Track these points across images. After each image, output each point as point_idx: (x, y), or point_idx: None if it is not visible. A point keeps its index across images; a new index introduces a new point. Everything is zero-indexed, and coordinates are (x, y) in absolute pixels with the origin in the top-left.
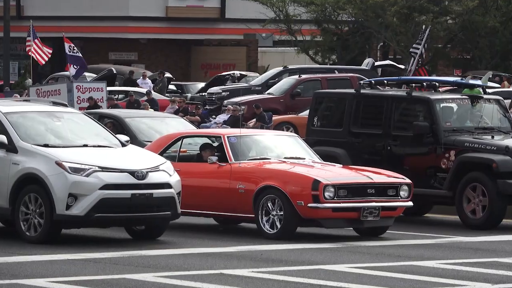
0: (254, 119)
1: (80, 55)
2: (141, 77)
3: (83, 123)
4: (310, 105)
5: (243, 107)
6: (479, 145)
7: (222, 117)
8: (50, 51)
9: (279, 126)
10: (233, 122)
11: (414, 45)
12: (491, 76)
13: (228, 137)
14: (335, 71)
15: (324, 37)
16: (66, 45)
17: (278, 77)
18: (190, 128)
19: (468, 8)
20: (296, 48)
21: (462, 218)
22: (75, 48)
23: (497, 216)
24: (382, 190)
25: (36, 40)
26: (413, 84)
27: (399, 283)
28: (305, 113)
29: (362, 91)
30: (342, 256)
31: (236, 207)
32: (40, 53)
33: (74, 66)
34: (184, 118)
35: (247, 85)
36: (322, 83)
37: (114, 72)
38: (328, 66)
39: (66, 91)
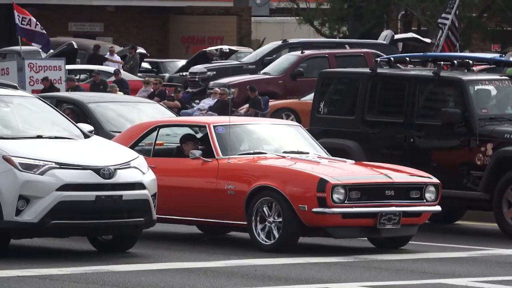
0: (247, 105)
1: (42, 30)
2: (108, 53)
3: (37, 110)
4: (315, 87)
5: (232, 90)
6: None
7: (208, 102)
8: None
9: (277, 113)
10: (221, 108)
11: (443, 15)
12: None
13: (214, 126)
14: (346, 46)
15: (333, 5)
16: (16, 15)
17: (276, 53)
18: (168, 116)
19: None
20: (298, 17)
21: (502, 226)
22: (31, 20)
23: None
24: (403, 191)
25: None
26: (442, 62)
27: None
28: (309, 98)
29: (378, 70)
30: (355, 273)
31: (224, 212)
32: None
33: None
34: (161, 103)
35: (238, 63)
36: (330, 61)
37: (75, 47)
38: (337, 40)
39: (16, 70)
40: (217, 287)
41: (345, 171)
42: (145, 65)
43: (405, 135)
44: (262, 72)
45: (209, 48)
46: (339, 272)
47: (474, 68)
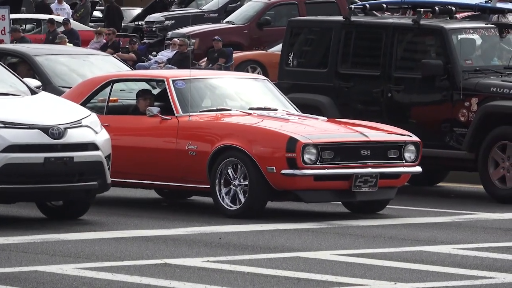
0: (206, 58)
1: None
2: (56, 1)
3: None
4: (284, 37)
5: (193, 40)
6: (510, 90)
7: (166, 54)
8: None
9: (242, 66)
10: (181, 60)
11: None
12: None
13: (173, 80)
14: None
15: None
16: None
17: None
18: (123, 69)
19: None
20: None
21: (488, 188)
22: None
23: None
24: (380, 151)
25: None
26: (422, 9)
27: (404, 275)
28: (277, 49)
29: (353, 18)
30: (328, 240)
31: (185, 175)
32: None
33: None
34: (115, 55)
35: (198, 10)
36: (300, 8)
37: None
38: None
39: None
40: (178, 257)
41: (317, 129)
42: (97, 13)
43: (382, 89)
44: (225, 21)
45: None
46: (311, 239)
47: (457, 16)
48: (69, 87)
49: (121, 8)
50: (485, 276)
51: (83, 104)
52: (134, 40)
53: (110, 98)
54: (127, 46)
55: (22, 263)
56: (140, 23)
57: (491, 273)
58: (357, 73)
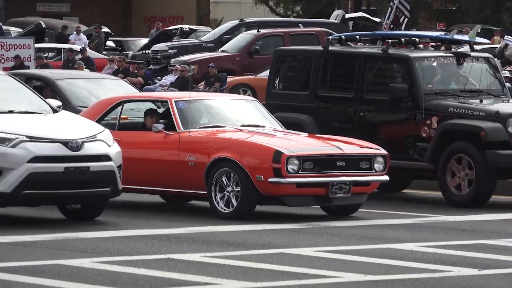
0: (203, 82)
1: None
2: (75, 32)
3: (8, 86)
4: (271, 64)
5: (192, 66)
6: (465, 111)
7: (169, 78)
8: None
9: (234, 89)
10: (182, 84)
11: None
12: (479, 30)
13: (175, 101)
14: (299, 25)
15: None
16: None
17: (233, 32)
18: (132, 92)
19: None
20: None
21: (446, 195)
22: None
23: (485, 192)
24: (353, 162)
25: None
26: (390, 40)
27: (373, 269)
28: (265, 74)
29: (330, 48)
30: (308, 239)
31: (185, 183)
32: None
33: None
34: (125, 79)
35: (197, 41)
36: (285, 39)
37: (43, 26)
38: (291, 19)
39: None
40: (179, 252)
41: (299, 143)
42: (109, 43)
43: (355, 109)
44: (220, 50)
45: (173, 27)
46: (294, 238)
47: (420, 46)
48: (86, 107)
49: (131, 38)
50: (443, 269)
51: (98, 121)
52: (142, 66)
53: (121, 116)
54: (136, 72)
55: (45, 257)
56: (147, 51)
57: (448, 267)
58: (334, 95)
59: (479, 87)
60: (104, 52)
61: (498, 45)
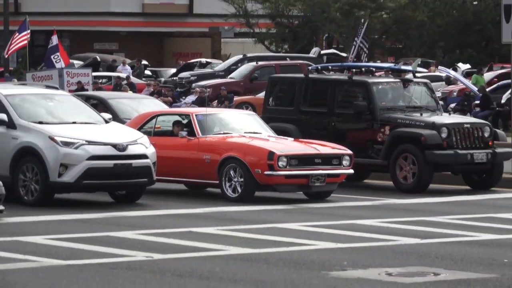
0: (216, 100)
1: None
2: (121, 64)
3: (72, 103)
4: (266, 87)
5: (208, 89)
6: (409, 121)
7: (191, 98)
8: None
9: (239, 106)
10: (200, 102)
11: (356, 37)
12: (419, 62)
13: (196, 115)
14: (287, 58)
15: (278, 30)
16: (54, 38)
17: (238, 63)
18: (163, 108)
19: (400, 4)
20: (253, 39)
21: (395, 184)
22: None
23: (425, 181)
24: (327, 160)
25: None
26: (354, 69)
27: (342, 239)
28: (262, 95)
29: (310, 75)
30: (294, 216)
31: (203, 175)
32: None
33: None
34: (158, 99)
35: (212, 70)
36: (276, 69)
37: (98, 60)
38: (281, 54)
39: (57, 76)
40: (198, 227)
41: (287, 146)
42: (147, 72)
43: (328, 120)
44: (229, 77)
45: (194, 60)
46: (283, 216)
47: (376, 74)
48: (129, 119)
49: (163, 68)
50: (393, 239)
51: (138, 129)
52: (171, 89)
53: (156, 126)
54: (166, 93)
55: (99, 230)
56: (174, 78)
57: (397, 237)
58: (313, 110)
59: (420, 104)
60: (143, 79)
61: (434, 73)
